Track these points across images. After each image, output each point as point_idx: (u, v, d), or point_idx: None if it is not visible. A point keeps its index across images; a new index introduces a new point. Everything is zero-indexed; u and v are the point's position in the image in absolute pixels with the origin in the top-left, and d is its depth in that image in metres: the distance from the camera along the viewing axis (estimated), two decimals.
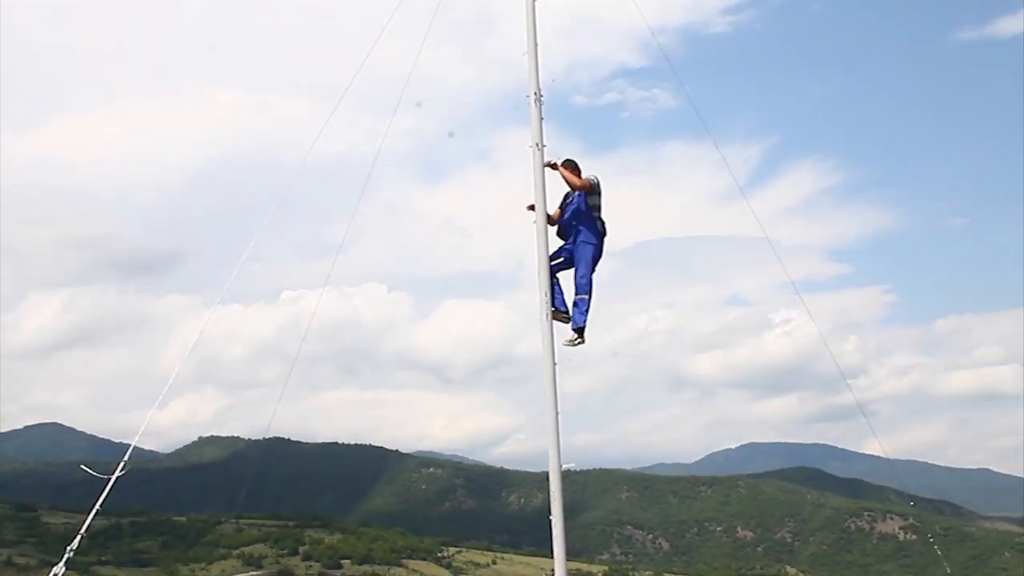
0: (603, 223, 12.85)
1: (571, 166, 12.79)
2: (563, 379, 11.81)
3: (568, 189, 12.86)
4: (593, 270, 12.67)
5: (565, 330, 12.30)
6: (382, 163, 13.71)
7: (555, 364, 11.69)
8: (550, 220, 12.58)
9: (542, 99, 12.37)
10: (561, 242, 12.84)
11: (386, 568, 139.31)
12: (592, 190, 12.77)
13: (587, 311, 12.44)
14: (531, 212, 12.35)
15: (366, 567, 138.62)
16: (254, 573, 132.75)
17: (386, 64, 13.49)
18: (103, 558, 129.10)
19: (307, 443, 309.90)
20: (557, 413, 11.56)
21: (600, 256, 12.81)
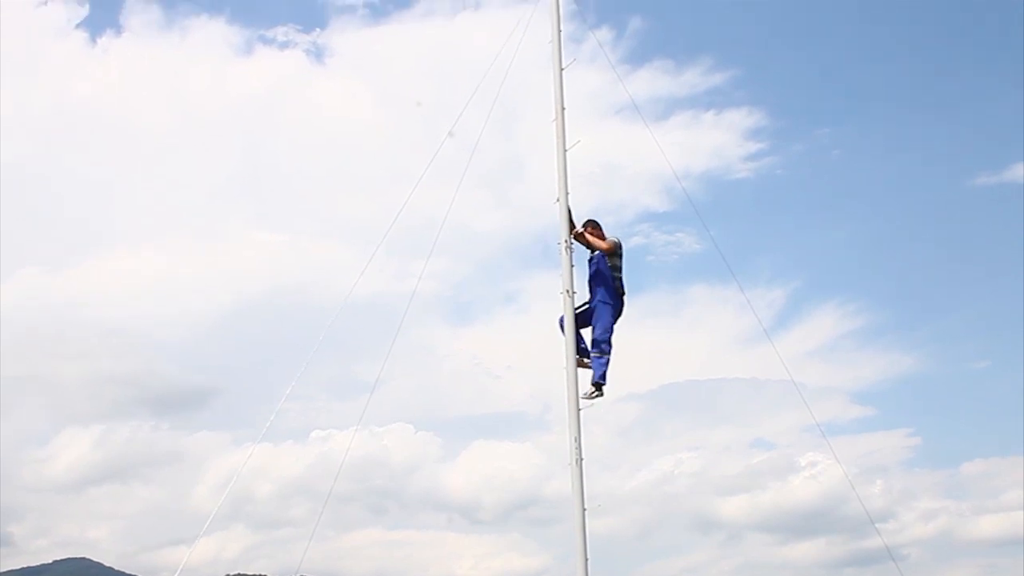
0: (622, 283, 12.95)
1: (594, 226, 12.99)
2: (591, 521, 11.65)
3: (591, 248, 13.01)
4: (611, 329, 12.71)
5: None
6: (411, 304, 13.83)
7: (584, 508, 11.54)
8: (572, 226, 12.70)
9: (572, 246, 12.52)
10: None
11: None
12: (614, 252, 12.92)
13: (605, 367, 12.44)
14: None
15: None
16: None
17: (416, 208, 13.75)
18: None
19: None
20: (586, 558, 11.37)
21: (619, 315, 12.87)
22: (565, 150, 12.76)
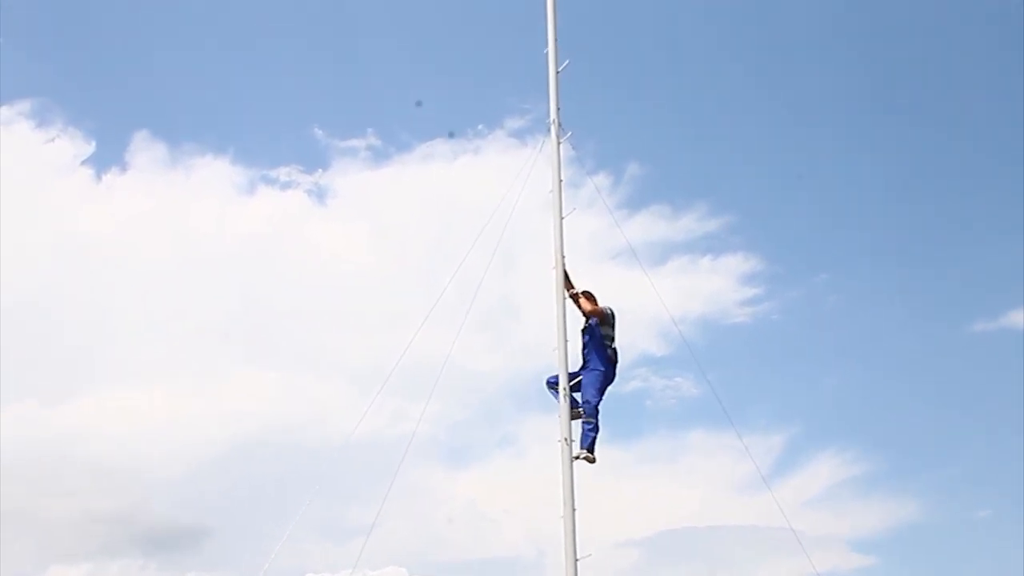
0: (615, 352, 13.07)
1: (588, 296, 13.12)
2: None
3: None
4: (600, 396, 12.77)
5: None
6: (407, 448, 13.74)
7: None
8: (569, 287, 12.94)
9: (570, 395, 12.52)
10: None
11: None
12: (605, 320, 13.06)
13: (592, 434, 12.46)
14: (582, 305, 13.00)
15: None
16: None
17: (413, 349, 13.77)
18: None
19: None
20: None
21: (609, 383, 12.94)
22: (565, 297, 12.87)
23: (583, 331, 13.19)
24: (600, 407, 12.80)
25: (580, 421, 12.60)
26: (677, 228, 40.84)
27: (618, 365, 13.16)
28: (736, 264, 40.97)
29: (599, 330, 13.10)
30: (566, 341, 12.64)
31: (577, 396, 12.82)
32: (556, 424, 12.40)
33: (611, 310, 13.26)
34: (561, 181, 13.35)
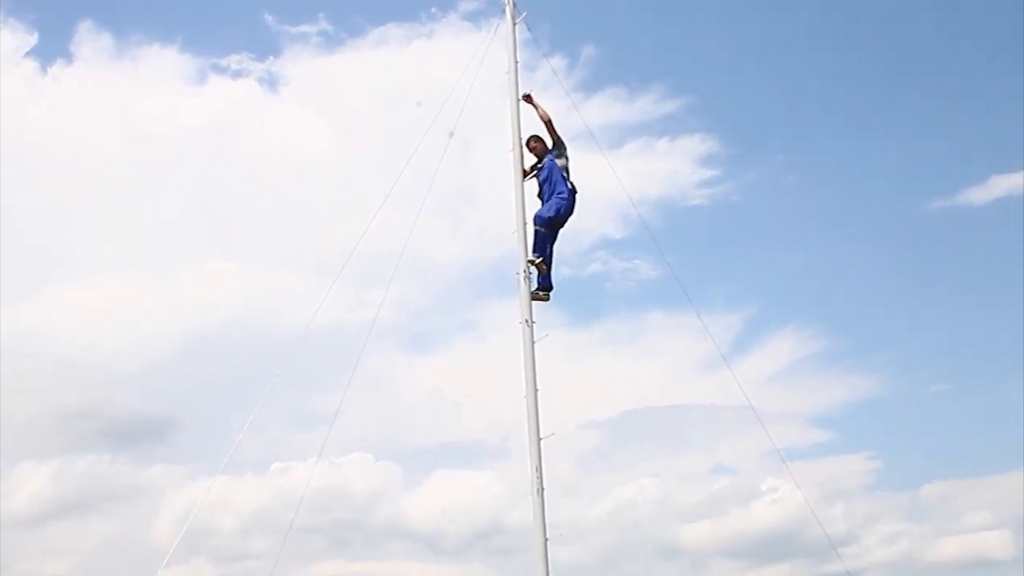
0: (574, 185, 13.04)
1: (537, 140, 13.15)
2: (554, 550, 11.59)
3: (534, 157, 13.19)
4: (556, 220, 12.86)
5: (553, 504, 12.10)
6: (368, 334, 13.77)
7: (546, 539, 11.50)
8: (525, 175, 12.93)
9: (530, 276, 12.54)
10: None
11: None
12: (561, 150, 13.07)
13: (546, 244, 12.70)
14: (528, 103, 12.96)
15: None
16: None
17: (372, 237, 13.70)
18: None
19: None
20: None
21: (569, 212, 12.96)
22: (523, 181, 12.83)
23: (540, 169, 13.12)
24: (554, 227, 12.87)
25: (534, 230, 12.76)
26: (634, 110, 40.62)
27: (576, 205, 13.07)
28: (693, 146, 40.92)
29: (557, 163, 13.05)
30: (524, 224, 12.63)
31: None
32: (517, 309, 12.47)
33: (562, 140, 13.21)
34: (517, 63, 13.20)
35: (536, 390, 12.05)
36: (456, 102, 13.54)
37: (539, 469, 11.69)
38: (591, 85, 39.46)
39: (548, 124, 13.08)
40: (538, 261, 12.58)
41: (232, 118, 41.57)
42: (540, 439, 11.87)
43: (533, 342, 12.22)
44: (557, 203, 12.85)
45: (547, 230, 12.80)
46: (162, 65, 40.55)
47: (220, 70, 41.43)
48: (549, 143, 13.16)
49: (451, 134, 13.59)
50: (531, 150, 13.12)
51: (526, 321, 12.25)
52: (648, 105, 41.14)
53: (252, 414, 13.01)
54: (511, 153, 12.93)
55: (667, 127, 41.40)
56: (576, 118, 14.55)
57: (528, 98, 13.03)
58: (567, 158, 13.17)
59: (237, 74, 41.24)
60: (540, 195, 13.07)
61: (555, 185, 12.96)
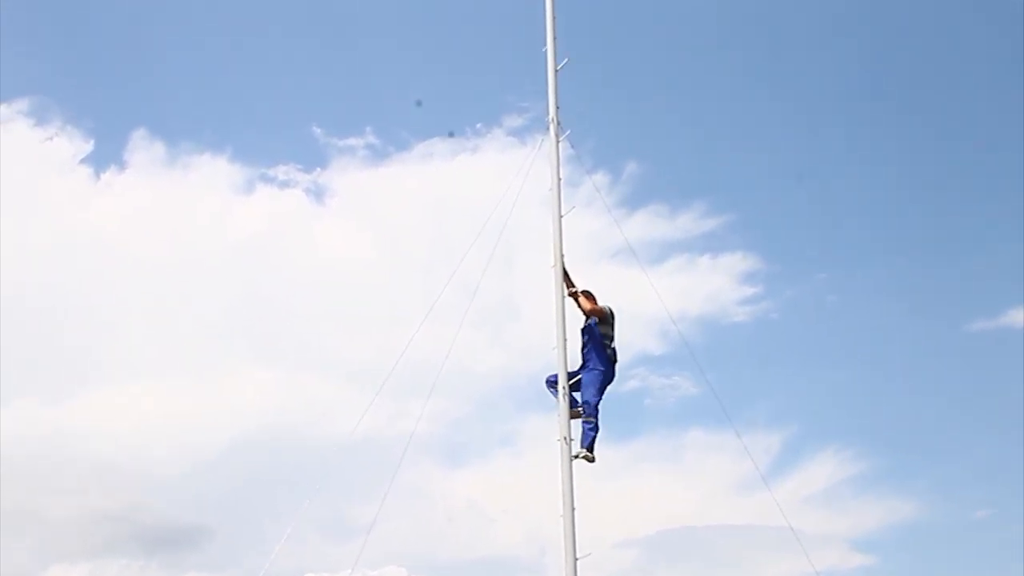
0: (614, 351, 12.99)
1: (588, 295, 13.06)
2: None
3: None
4: (599, 396, 12.70)
5: None
6: (407, 447, 13.71)
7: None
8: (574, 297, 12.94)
9: (570, 394, 12.48)
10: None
11: None
12: (604, 319, 13.00)
13: (592, 433, 12.38)
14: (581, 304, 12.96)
15: None
16: None
17: (412, 348, 13.73)
18: None
19: None
20: None
21: (608, 382, 12.87)
22: (564, 296, 12.83)
23: (582, 331, 13.12)
24: (600, 407, 12.71)
25: (580, 420, 12.53)
26: (676, 227, 40.80)
27: (617, 364, 13.07)
28: (735, 263, 40.94)
29: (598, 329, 13.03)
30: (565, 340, 12.60)
31: (577, 396, 12.76)
32: (555, 423, 12.37)
33: (610, 309, 13.18)
34: (560, 179, 13.31)
35: (573, 508, 11.89)
36: (500, 217, 13.65)
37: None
38: (633, 201, 39.77)
39: (593, 312, 13.09)
40: (585, 454, 12.29)
41: (278, 227, 42.25)
42: (576, 559, 11.67)
43: (571, 460, 12.10)
44: (596, 379, 12.82)
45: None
46: (212, 174, 41.43)
47: (268, 180, 42.23)
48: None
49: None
50: (578, 305, 13.09)
51: (564, 438, 12.16)
52: (690, 222, 41.37)
53: (288, 524, 12.94)
54: (553, 269, 12.95)
55: (709, 244, 41.53)
56: (617, 234, 14.63)
57: (573, 293, 13.01)
58: (612, 326, 13.15)
59: (284, 184, 42.00)
60: (582, 355, 13.06)
61: (589, 357, 12.97)
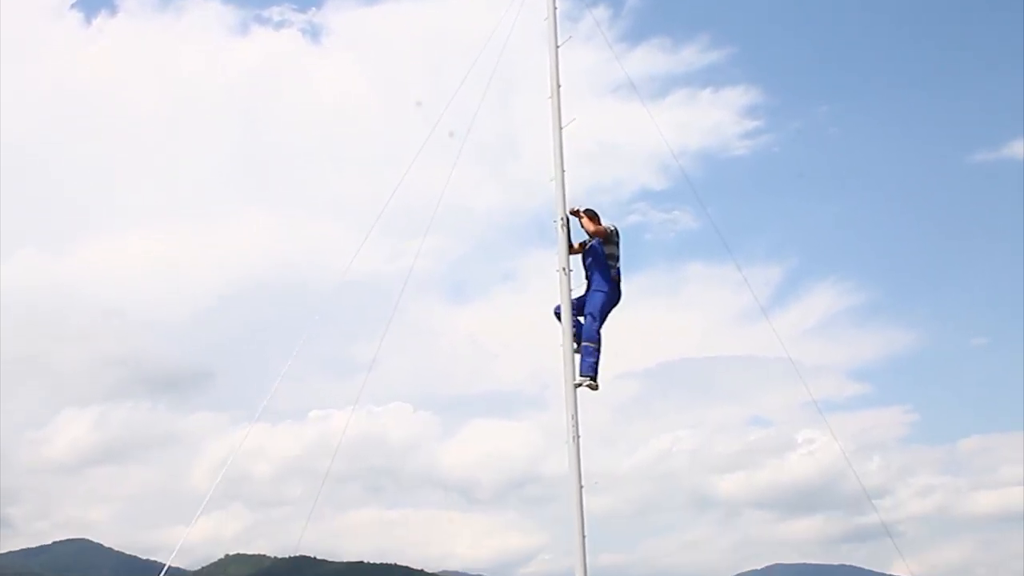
0: (619, 272, 12.76)
1: (592, 216, 12.77)
2: (588, 499, 11.65)
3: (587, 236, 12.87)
4: (603, 320, 12.49)
5: (589, 453, 12.07)
6: (408, 283, 13.80)
7: (582, 486, 11.53)
8: (572, 250, 12.66)
9: (569, 224, 12.47)
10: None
11: None
12: (608, 238, 12.72)
13: (595, 358, 12.19)
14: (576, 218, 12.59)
15: None
16: None
17: (411, 186, 13.68)
18: None
19: (333, 562, 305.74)
20: (584, 536, 11.37)
21: (613, 304, 12.65)
22: (561, 128, 12.69)
23: (585, 252, 12.85)
24: (602, 332, 12.44)
25: (581, 346, 12.26)
26: (677, 61, 40.39)
27: (622, 285, 12.78)
28: (736, 96, 40.70)
29: (602, 249, 12.74)
30: (563, 171, 12.55)
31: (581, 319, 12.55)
32: (555, 260, 12.42)
33: (615, 228, 12.86)
34: (555, 8, 13.06)
35: (572, 337, 12.08)
36: (494, 50, 13.45)
37: (575, 417, 11.72)
38: (634, 35, 39.40)
39: (596, 233, 12.75)
40: (588, 382, 12.08)
41: (274, 68, 41.84)
42: (576, 387, 11.89)
43: (570, 290, 12.21)
44: (599, 301, 12.55)
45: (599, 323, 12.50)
46: (205, 16, 40.71)
47: (263, 21, 41.75)
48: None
49: (451, 134, 13.50)
50: (582, 225, 12.78)
51: (563, 270, 12.25)
52: (692, 56, 40.91)
53: (288, 361, 13.13)
54: (550, 100, 12.80)
55: (710, 78, 41.22)
56: (617, 69, 14.44)
57: (575, 212, 12.68)
58: (616, 245, 12.83)
59: (280, 25, 41.51)
60: (586, 276, 12.82)
61: (593, 278, 12.70)
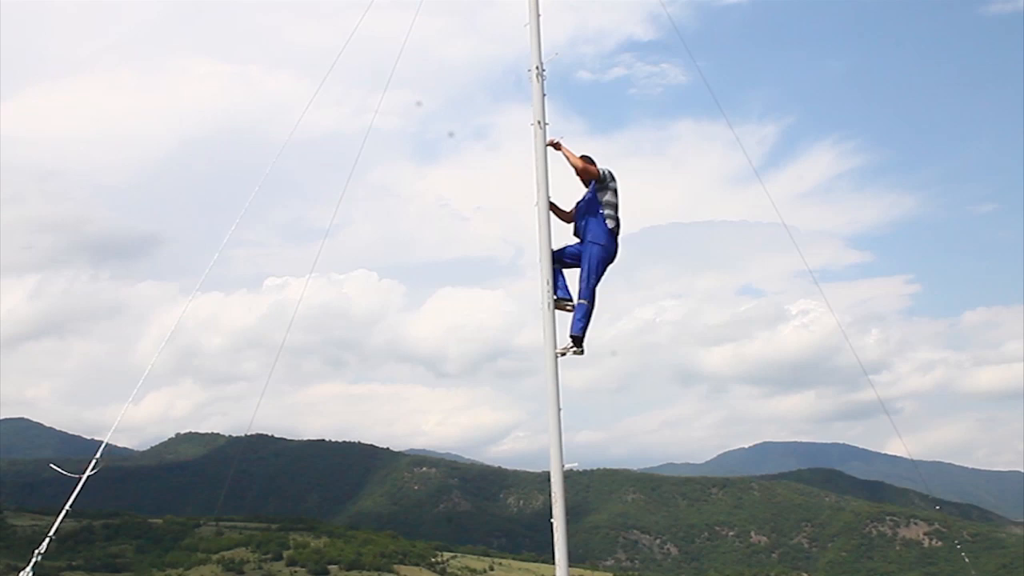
0: (617, 223, 12.47)
1: (585, 160, 12.50)
2: (565, 373, 11.80)
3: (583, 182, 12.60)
4: (595, 276, 12.28)
5: (567, 324, 12.13)
6: (372, 141, 13.71)
7: (557, 356, 11.68)
8: (565, 218, 12.53)
9: (544, 74, 12.32)
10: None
11: (376, 574, 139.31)
12: (602, 182, 12.43)
13: (586, 319, 12.07)
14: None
15: (354, 573, 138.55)
16: None
17: (377, 36, 13.47)
18: (73, 563, 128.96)
19: (292, 440, 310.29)
20: (559, 409, 11.54)
21: (609, 259, 12.42)
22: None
23: (579, 202, 12.58)
24: (596, 290, 12.26)
25: (575, 304, 12.16)
26: None
27: (619, 237, 12.48)
28: None
29: (597, 196, 12.45)
30: (538, 16, 12.38)
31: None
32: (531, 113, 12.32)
33: (608, 171, 12.53)
34: None
35: (548, 197, 12.07)
36: None
37: (550, 282, 11.79)
38: None
39: (584, 171, 12.49)
40: (573, 348, 11.98)
41: None
42: (552, 251, 11.94)
43: (545, 145, 12.15)
44: (593, 256, 12.30)
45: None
46: None
47: None
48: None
49: (451, 134, 13.16)
50: (577, 174, 12.51)
51: (538, 123, 12.15)
52: None
53: (237, 219, 13.09)
54: None
55: None
56: None
57: (556, 146, 12.32)
58: (614, 192, 12.51)
59: None
60: (576, 232, 12.57)
61: (588, 229, 12.41)
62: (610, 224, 12.40)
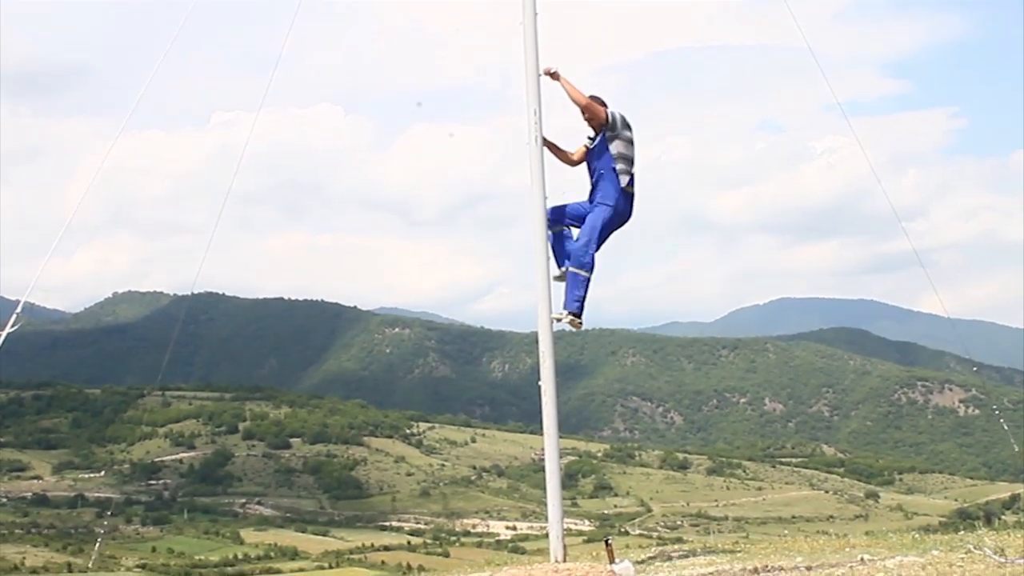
0: (632, 181, 11.87)
1: (594, 100, 11.92)
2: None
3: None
4: (600, 240, 11.80)
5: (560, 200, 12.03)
6: None
7: (546, 198, 11.60)
8: (568, 161, 12.13)
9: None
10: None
11: (344, 447, 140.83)
12: (613, 129, 11.83)
13: (582, 289, 11.74)
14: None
15: (319, 446, 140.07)
16: (185, 455, 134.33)
17: None
18: (1, 439, 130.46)
19: (246, 299, 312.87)
20: (548, 259, 11.52)
21: (619, 223, 11.92)
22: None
23: (589, 151, 11.99)
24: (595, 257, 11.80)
25: (569, 272, 11.79)
26: None
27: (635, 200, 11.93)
28: None
29: (608, 147, 11.83)
30: None
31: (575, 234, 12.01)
32: None
33: (621, 116, 11.86)
34: None
35: (536, 14, 11.85)
36: None
37: (537, 112, 11.64)
38: None
39: (590, 111, 11.86)
40: (570, 318, 11.67)
41: None
42: (539, 75, 11.77)
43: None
44: (600, 218, 11.78)
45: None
46: None
47: None
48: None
49: (451, 135, 12.68)
50: (587, 120, 11.90)
51: None
52: None
53: (171, 41, 12.81)
54: None
55: None
56: None
57: (554, 76, 11.76)
58: (630, 143, 11.89)
59: None
60: (592, 184, 12.02)
61: (599, 187, 11.86)
62: (623, 181, 11.83)
